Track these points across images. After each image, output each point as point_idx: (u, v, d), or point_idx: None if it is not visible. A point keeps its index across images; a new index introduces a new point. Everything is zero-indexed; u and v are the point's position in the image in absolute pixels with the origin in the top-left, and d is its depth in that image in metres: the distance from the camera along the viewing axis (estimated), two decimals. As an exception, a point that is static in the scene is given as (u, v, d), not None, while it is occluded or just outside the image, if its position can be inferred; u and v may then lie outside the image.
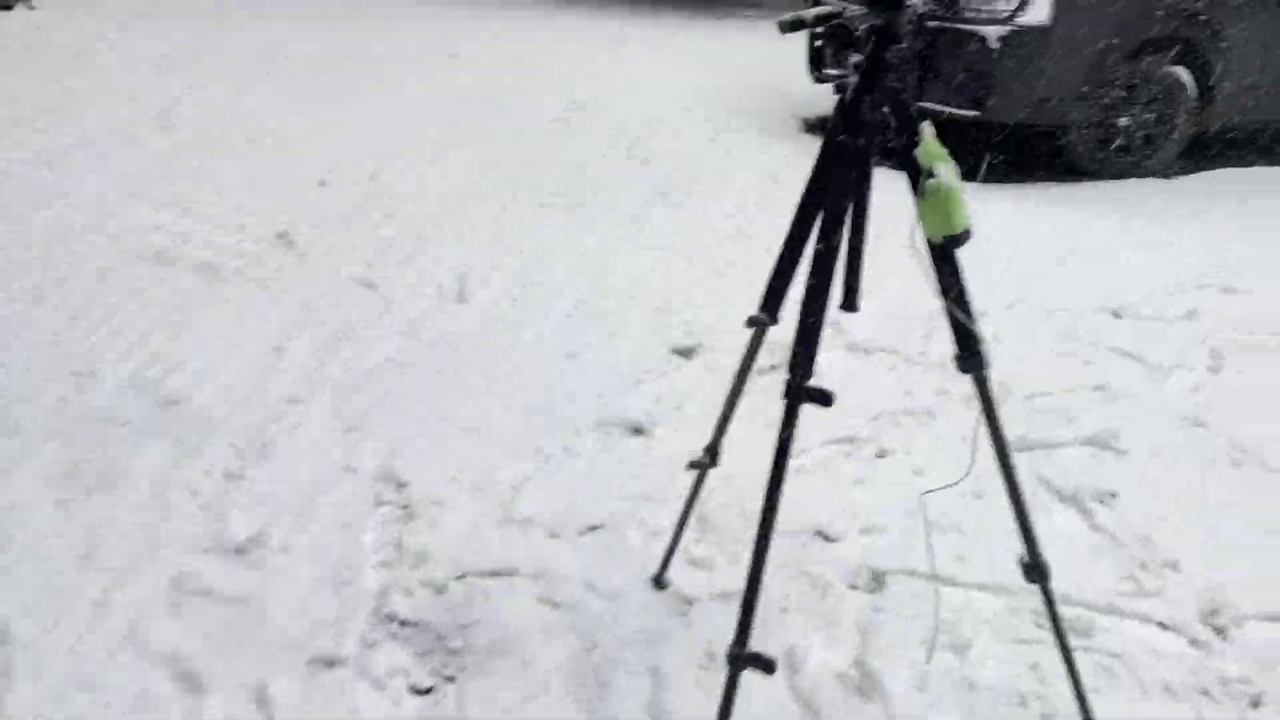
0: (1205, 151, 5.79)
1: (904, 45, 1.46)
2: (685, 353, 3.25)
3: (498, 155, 5.31)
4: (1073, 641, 1.81)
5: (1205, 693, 1.95)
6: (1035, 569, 1.71)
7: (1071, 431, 2.82)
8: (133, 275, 3.59)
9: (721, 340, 3.26)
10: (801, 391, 1.51)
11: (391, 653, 1.99)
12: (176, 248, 3.83)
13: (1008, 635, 2.06)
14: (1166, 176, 5.44)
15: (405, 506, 2.42)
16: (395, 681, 1.93)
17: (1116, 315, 3.61)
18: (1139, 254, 4.23)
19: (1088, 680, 1.82)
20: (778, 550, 1.68)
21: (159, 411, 2.76)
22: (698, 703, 1.85)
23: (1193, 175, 5.53)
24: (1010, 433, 1.71)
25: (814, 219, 1.57)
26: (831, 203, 1.50)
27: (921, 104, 5.24)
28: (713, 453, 2.00)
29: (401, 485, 2.49)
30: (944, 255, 1.52)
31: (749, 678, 1.60)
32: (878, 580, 2.22)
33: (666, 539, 2.20)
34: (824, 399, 1.50)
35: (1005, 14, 4.99)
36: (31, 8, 8.36)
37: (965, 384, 2.22)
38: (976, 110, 5.07)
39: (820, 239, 1.51)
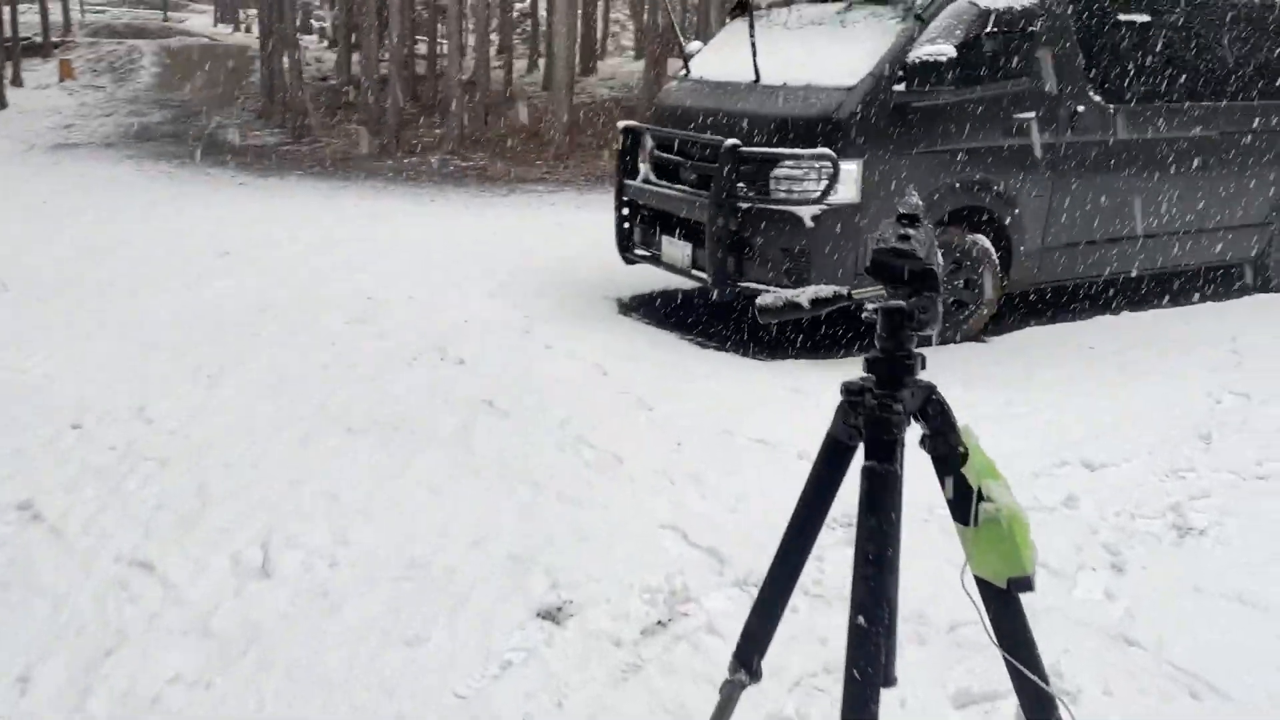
0: (1015, 312, 5.96)
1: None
2: (552, 615, 2.70)
3: (287, 371, 4.67)
4: None
5: None
6: None
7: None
8: None
9: (593, 591, 2.74)
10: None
11: None
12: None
13: None
14: (982, 340, 5.49)
15: None
16: None
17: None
18: (992, 428, 4.08)
19: None
20: None
21: None
22: None
23: (1004, 336, 5.61)
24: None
25: (805, 547, 1.14)
26: (877, 547, 1.08)
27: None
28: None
29: None
30: (1005, 600, 1.12)
31: None
32: None
33: None
34: None
35: (816, 194, 4.96)
36: None
37: None
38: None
39: (868, 593, 1.08)
